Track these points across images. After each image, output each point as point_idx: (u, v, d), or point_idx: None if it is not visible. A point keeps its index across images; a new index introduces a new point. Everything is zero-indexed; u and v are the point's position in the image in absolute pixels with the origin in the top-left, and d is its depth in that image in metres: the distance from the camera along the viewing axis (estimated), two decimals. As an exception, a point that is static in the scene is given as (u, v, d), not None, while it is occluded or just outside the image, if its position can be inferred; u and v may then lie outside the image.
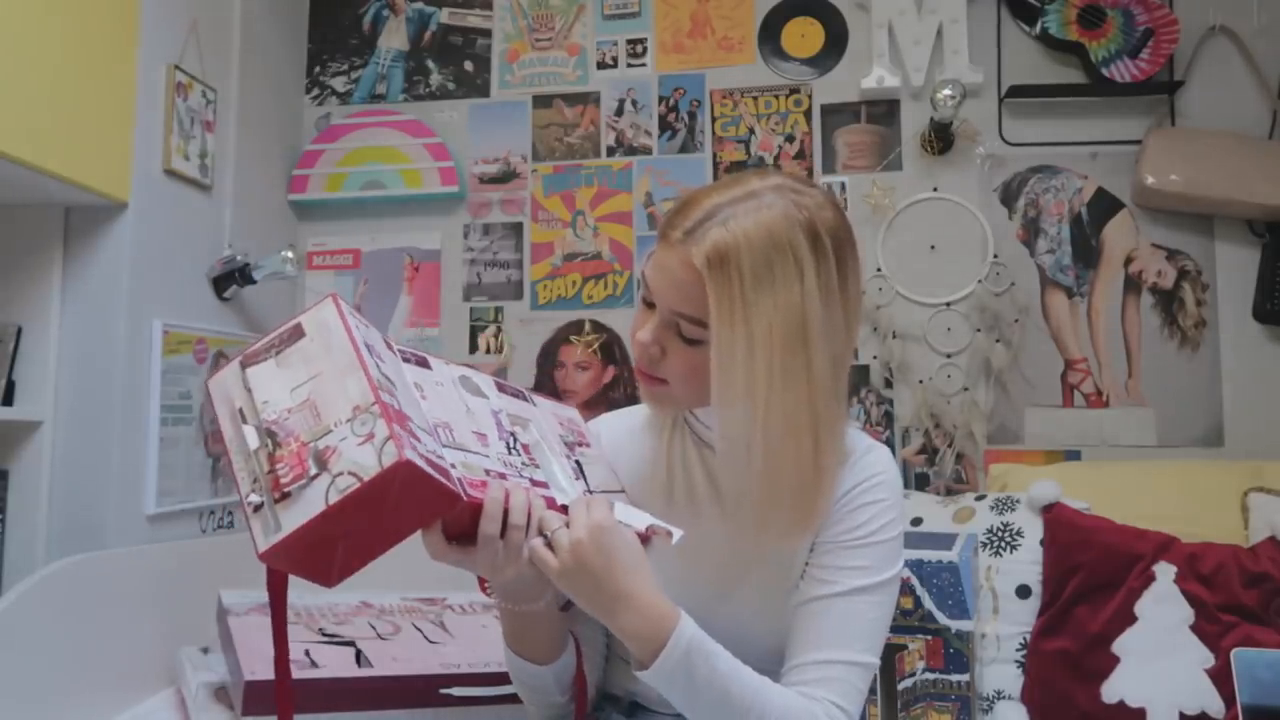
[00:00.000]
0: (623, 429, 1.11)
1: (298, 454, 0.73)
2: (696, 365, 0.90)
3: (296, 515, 0.71)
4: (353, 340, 0.76)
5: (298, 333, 0.79)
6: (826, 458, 0.90)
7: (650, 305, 0.94)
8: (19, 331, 1.72)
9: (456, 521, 0.81)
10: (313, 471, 0.72)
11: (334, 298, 0.81)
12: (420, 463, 0.72)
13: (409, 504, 0.75)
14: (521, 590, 0.90)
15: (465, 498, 0.77)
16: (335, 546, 0.74)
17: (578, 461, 0.98)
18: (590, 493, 0.93)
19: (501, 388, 0.98)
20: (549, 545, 0.84)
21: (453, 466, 0.79)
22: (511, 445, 0.90)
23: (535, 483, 0.88)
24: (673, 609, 0.87)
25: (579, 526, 0.83)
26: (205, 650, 1.66)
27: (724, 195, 0.90)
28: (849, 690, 0.91)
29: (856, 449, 1.00)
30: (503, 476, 0.84)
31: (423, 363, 0.90)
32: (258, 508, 0.73)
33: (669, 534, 0.90)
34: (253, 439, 0.76)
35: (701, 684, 0.85)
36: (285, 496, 0.72)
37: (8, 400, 1.69)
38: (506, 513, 0.81)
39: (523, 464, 0.89)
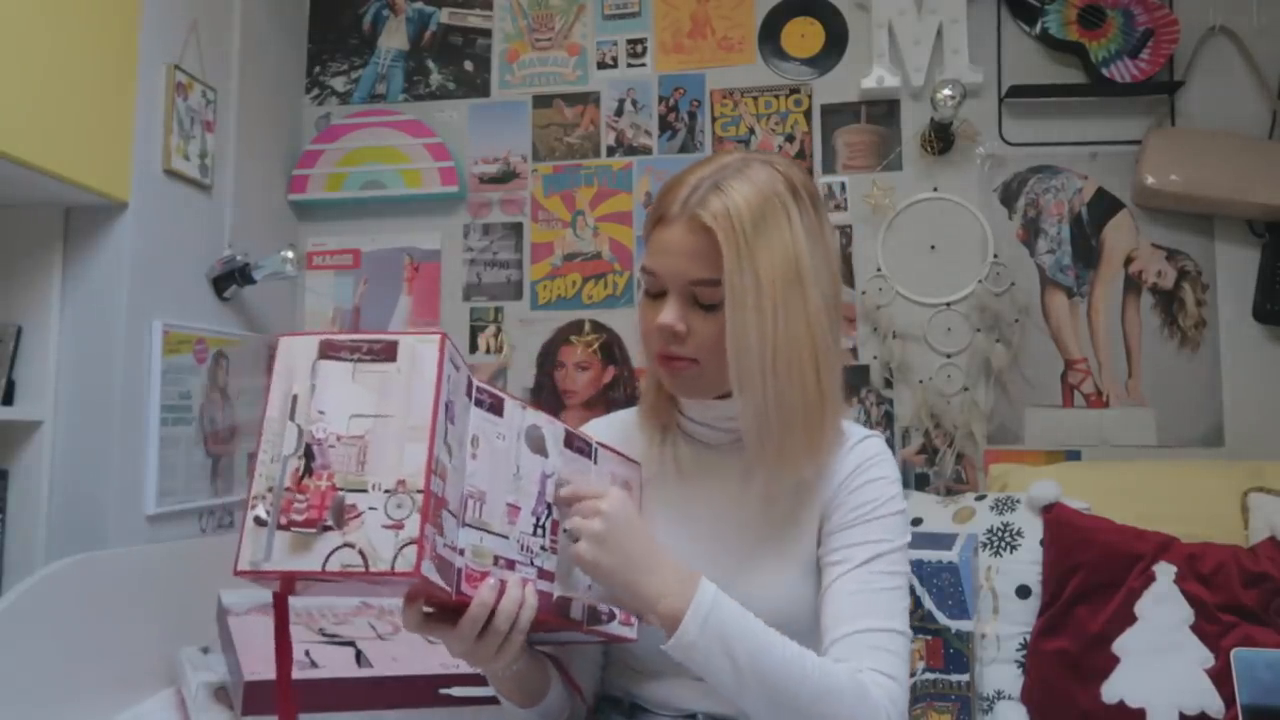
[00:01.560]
0: (617, 433, 1.12)
1: (323, 494, 0.67)
2: (720, 331, 0.95)
3: (290, 558, 0.66)
4: (437, 400, 0.69)
5: (389, 353, 0.71)
6: (828, 385, 0.97)
7: (656, 296, 0.98)
8: (19, 331, 1.72)
9: (441, 605, 0.77)
10: (327, 522, 0.66)
11: (444, 339, 0.72)
12: (431, 571, 0.67)
13: (400, 591, 0.73)
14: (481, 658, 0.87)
15: (454, 598, 0.73)
16: (313, 587, 0.72)
17: None
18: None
19: (570, 441, 0.91)
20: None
21: (460, 553, 0.74)
22: (541, 521, 0.84)
23: (543, 573, 0.83)
24: (691, 570, 0.89)
25: (597, 506, 0.85)
26: (205, 650, 1.66)
27: (708, 169, 0.97)
28: (887, 657, 0.93)
29: (851, 436, 1.04)
30: (511, 565, 0.79)
31: (496, 408, 0.81)
32: (260, 522, 0.68)
33: None
34: (290, 443, 0.70)
35: (735, 634, 0.86)
36: (289, 529, 0.67)
37: (8, 400, 1.69)
38: (494, 613, 0.78)
39: (540, 548, 0.83)
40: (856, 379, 2.18)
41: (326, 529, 0.66)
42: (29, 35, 1.51)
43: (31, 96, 1.52)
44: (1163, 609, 1.59)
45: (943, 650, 1.65)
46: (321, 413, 0.70)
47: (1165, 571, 1.61)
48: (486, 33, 2.43)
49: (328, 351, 0.72)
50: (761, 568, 0.99)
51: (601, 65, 2.36)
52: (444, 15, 2.44)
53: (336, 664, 1.42)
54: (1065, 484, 1.75)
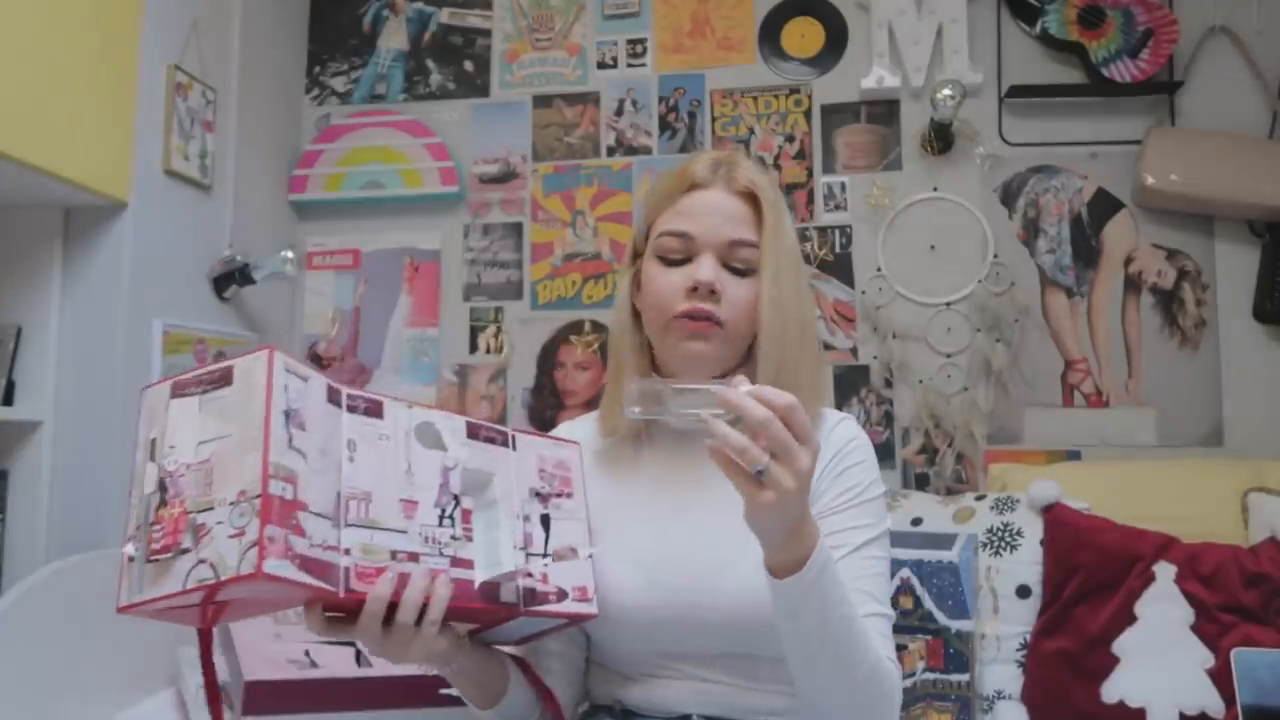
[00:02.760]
0: (593, 429, 1.11)
1: (176, 521, 0.70)
2: (751, 296, 0.99)
3: (159, 584, 0.69)
4: (269, 410, 0.71)
5: (227, 378, 0.75)
6: (818, 367, 1.08)
7: (676, 263, 1.00)
8: (19, 331, 1.72)
9: (343, 607, 0.78)
10: (184, 545, 0.69)
11: (272, 352, 0.74)
12: (286, 569, 0.69)
13: (275, 596, 0.74)
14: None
15: (342, 595, 0.74)
16: (203, 611, 0.74)
17: (545, 516, 0.93)
18: (546, 558, 0.90)
19: (476, 432, 0.91)
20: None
21: (346, 553, 0.75)
22: (448, 512, 0.84)
23: (457, 561, 0.83)
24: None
25: (803, 455, 0.75)
26: (205, 650, 1.66)
27: (720, 154, 1.04)
28: (888, 643, 0.94)
29: (828, 419, 1.05)
30: (414, 558, 0.79)
31: (374, 410, 0.83)
32: (131, 559, 0.71)
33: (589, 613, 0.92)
34: (150, 482, 0.73)
35: (835, 592, 0.83)
36: (155, 559, 0.70)
37: (8, 400, 1.69)
38: (398, 606, 0.77)
39: (451, 537, 0.83)
40: (856, 379, 2.18)
41: (183, 551, 0.69)
42: (29, 35, 1.51)
43: (31, 96, 1.52)
44: (1163, 609, 1.59)
45: (943, 650, 1.65)
46: (173, 447, 0.73)
47: (1165, 571, 1.61)
48: (486, 33, 2.43)
49: (177, 391, 0.76)
50: (746, 562, 0.95)
51: (601, 65, 2.36)
52: (444, 15, 2.44)
53: (336, 664, 1.42)
54: (1065, 484, 1.75)
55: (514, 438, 0.94)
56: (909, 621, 1.66)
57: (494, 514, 0.89)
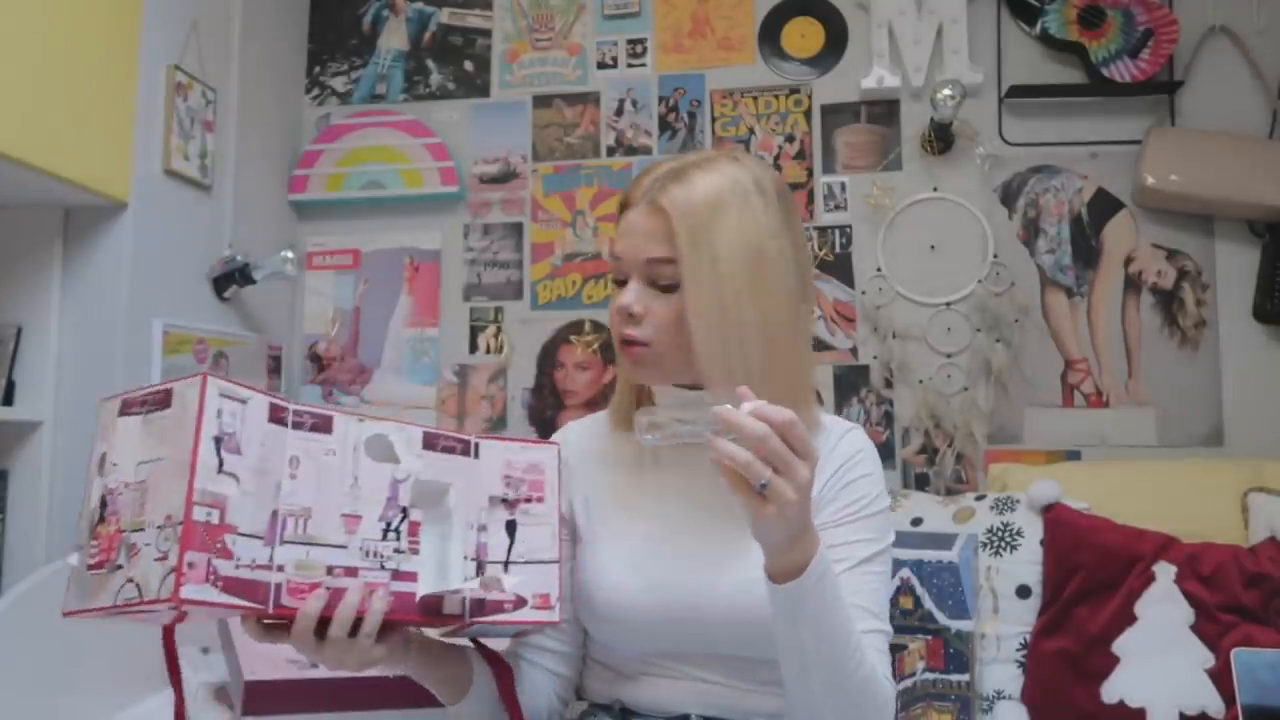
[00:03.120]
0: (591, 432, 1.12)
1: (111, 539, 0.74)
2: (677, 312, 0.96)
3: (95, 597, 0.74)
4: (198, 437, 0.73)
5: (166, 400, 0.77)
6: (785, 374, 0.96)
7: (622, 283, 1.00)
8: (19, 331, 1.72)
9: (278, 620, 0.80)
10: (118, 562, 0.73)
11: (205, 379, 0.76)
12: (206, 593, 0.72)
13: (204, 613, 0.76)
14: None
15: (271, 611, 0.77)
16: (142, 619, 0.77)
17: (511, 522, 0.93)
18: (506, 565, 0.90)
19: (433, 442, 0.91)
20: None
21: (279, 569, 0.78)
22: (394, 525, 0.85)
23: (399, 574, 0.84)
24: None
25: (801, 468, 0.77)
26: (205, 650, 1.66)
27: (677, 162, 1.00)
28: (885, 659, 0.94)
29: (834, 429, 1.04)
30: (353, 573, 0.81)
31: (322, 426, 0.84)
32: (75, 568, 0.75)
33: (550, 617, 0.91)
34: (94, 498, 0.76)
35: (833, 599, 0.84)
36: (93, 572, 0.74)
37: (8, 400, 1.69)
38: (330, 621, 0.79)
39: (394, 550, 0.84)
40: (856, 379, 2.18)
41: (117, 568, 0.73)
42: (29, 36, 1.51)
43: (31, 96, 1.52)
44: (1163, 609, 1.59)
45: (943, 650, 1.65)
46: (115, 464, 0.77)
47: (1165, 571, 1.61)
48: (486, 33, 2.43)
49: (125, 408, 0.79)
50: (746, 563, 0.96)
51: (601, 65, 2.36)
52: (444, 15, 2.44)
53: (336, 664, 1.42)
54: (1065, 484, 1.75)
55: (477, 445, 0.93)
56: (909, 621, 1.66)
57: (447, 525, 0.89)
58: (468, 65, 2.42)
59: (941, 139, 2.17)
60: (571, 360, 2.30)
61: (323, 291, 2.39)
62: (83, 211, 1.76)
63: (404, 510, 0.86)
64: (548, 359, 2.31)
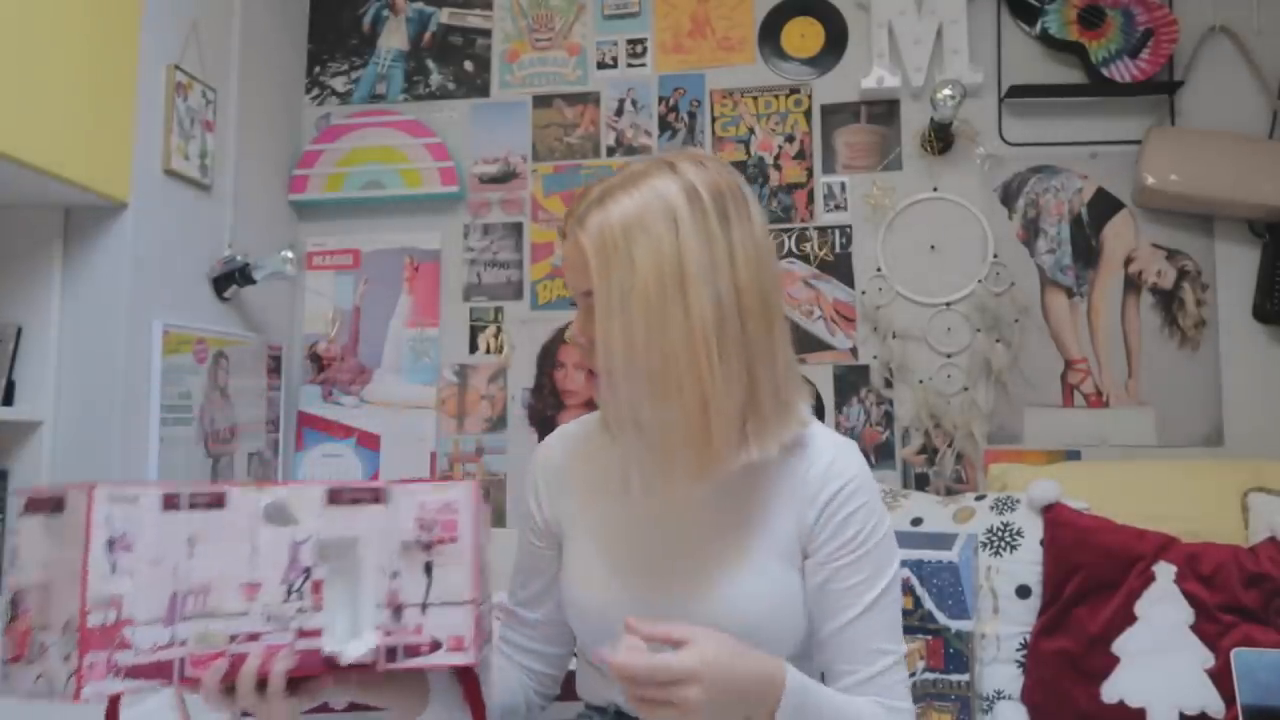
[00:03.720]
0: (579, 435, 1.12)
1: (23, 635, 0.81)
2: None
3: (16, 687, 0.81)
4: (88, 546, 0.80)
5: (61, 505, 0.83)
6: (715, 396, 0.91)
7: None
8: (19, 331, 1.72)
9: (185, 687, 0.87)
10: (30, 657, 0.81)
11: (91, 491, 0.81)
12: (109, 687, 0.80)
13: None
14: None
15: (176, 683, 0.84)
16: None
17: (429, 564, 0.93)
18: (424, 607, 0.90)
19: (339, 497, 0.92)
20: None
21: (182, 644, 0.84)
22: (296, 587, 0.89)
23: (305, 632, 0.88)
24: (774, 661, 0.88)
25: (684, 691, 0.81)
26: (205, 650, 1.66)
27: (605, 185, 0.96)
28: (899, 689, 0.97)
29: (819, 455, 0.99)
30: (255, 638, 0.86)
31: (217, 502, 0.88)
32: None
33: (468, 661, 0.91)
34: (7, 592, 0.83)
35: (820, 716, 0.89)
36: (10, 663, 0.82)
37: (8, 400, 1.69)
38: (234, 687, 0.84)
39: (298, 610, 0.88)
40: (856, 379, 2.18)
41: (30, 662, 0.81)
42: (29, 35, 1.51)
43: (31, 96, 1.52)
44: (1163, 609, 1.58)
45: (943, 650, 1.65)
46: (23, 563, 0.83)
47: (1165, 571, 1.61)
48: (486, 33, 2.43)
49: (29, 508, 0.85)
50: (732, 577, 0.97)
51: (601, 65, 2.36)
52: (444, 15, 2.44)
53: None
54: (1065, 484, 1.75)
55: (387, 491, 0.94)
56: (909, 622, 1.66)
57: (356, 577, 0.91)
58: (468, 65, 2.42)
59: (941, 139, 2.17)
60: (571, 360, 2.29)
61: (323, 291, 2.39)
62: (83, 211, 1.76)
63: (307, 570, 0.90)
64: (548, 359, 2.31)
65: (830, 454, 0.99)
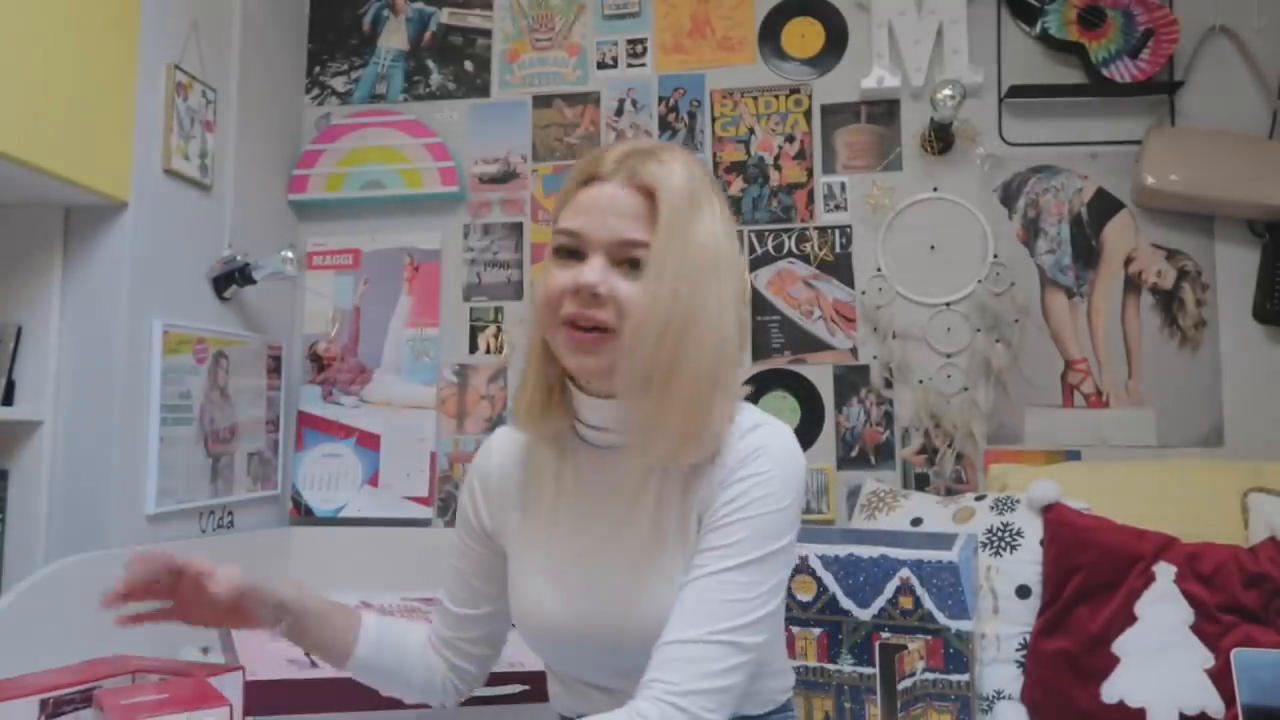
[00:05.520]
0: (519, 441, 1.08)
1: None
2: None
3: None
4: None
5: None
6: (722, 376, 0.92)
7: (571, 256, 0.93)
8: (19, 331, 1.72)
9: None
10: None
11: None
12: None
13: None
14: None
15: None
16: None
17: None
18: None
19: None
20: None
21: None
22: None
23: None
24: None
25: None
26: (205, 650, 1.66)
27: (638, 145, 0.95)
28: (693, 670, 0.84)
29: (736, 432, 0.94)
30: None
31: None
32: None
33: None
34: None
35: None
36: None
37: (8, 400, 1.69)
38: None
39: None
40: (856, 379, 2.18)
41: None
42: (29, 35, 1.51)
43: (31, 96, 1.52)
44: (1163, 609, 1.58)
45: (943, 650, 1.65)
46: None
47: (1165, 571, 1.61)
48: (486, 33, 2.43)
49: None
50: (660, 580, 0.93)
51: (601, 65, 2.36)
52: (444, 15, 2.44)
53: (336, 664, 1.42)
54: (1065, 484, 1.75)
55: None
56: (909, 622, 1.66)
57: None
58: (468, 65, 2.42)
59: (941, 139, 2.17)
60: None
61: (323, 291, 2.39)
62: (83, 211, 1.76)
63: None
64: (548, 359, 2.31)
65: (745, 426, 0.95)
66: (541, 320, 0.95)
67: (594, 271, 0.90)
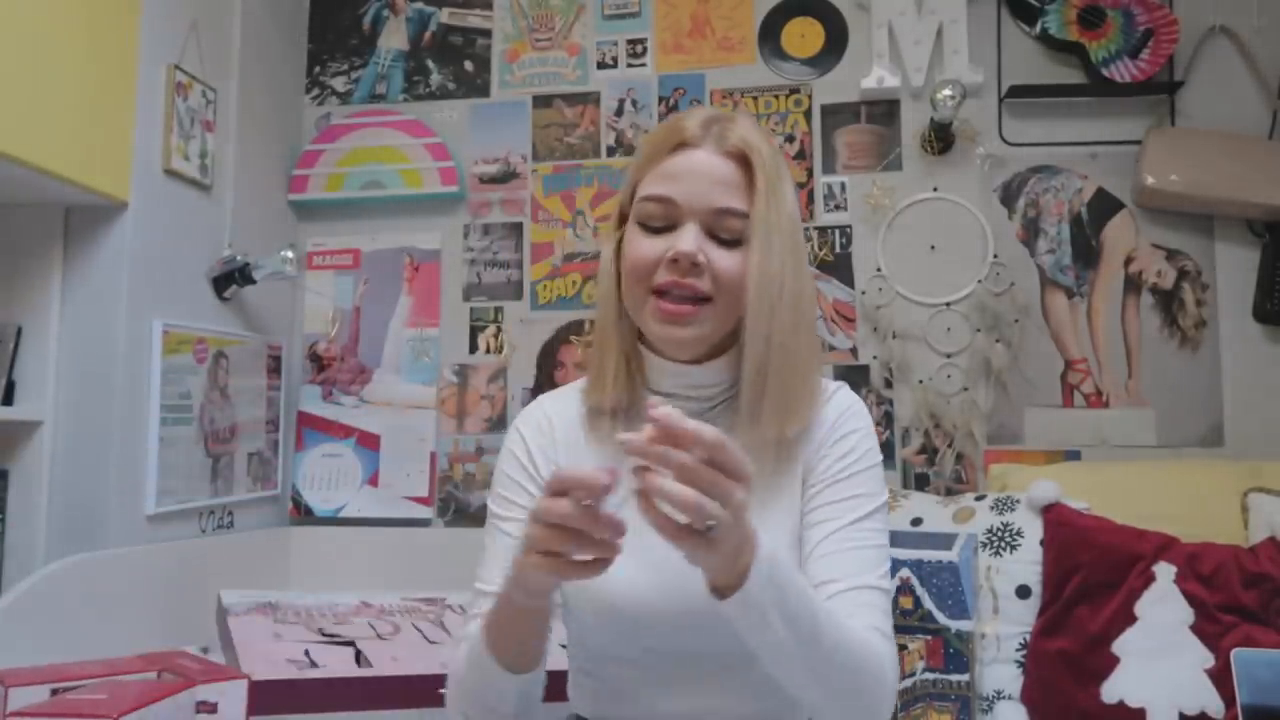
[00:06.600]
0: (574, 404, 1.03)
1: None
2: (740, 268, 0.91)
3: None
4: None
5: None
6: (817, 337, 0.98)
7: (658, 230, 0.92)
8: (19, 331, 1.72)
9: None
10: None
11: None
12: None
13: None
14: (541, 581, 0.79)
15: None
16: None
17: None
18: None
19: None
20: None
21: None
22: None
23: None
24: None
25: (737, 491, 0.69)
26: (205, 650, 1.66)
27: (713, 111, 0.96)
28: (880, 615, 0.89)
29: (827, 389, 1.00)
30: None
31: None
32: None
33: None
34: None
35: (791, 592, 0.77)
36: None
37: (8, 400, 1.69)
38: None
39: None
40: (856, 379, 2.18)
41: None
42: (29, 35, 1.51)
43: (31, 96, 1.52)
44: (1163, 609, 1.59)
45: (943, 650, 1.65)
46: None
47: (1165, 571, 1.61)
48: (486, 33, 2.43)
49: None
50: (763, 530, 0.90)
51: (601, 65, 2.36)
52: (444, 15, 2.44)
53: (336, 664, 1.42)
54: (1065, 484, 1.75)
55: None
56: (909, 622, 1.66)
57: None
58: (468, 65, 2.42)
59: (941, 139, 2.17)
60: (571, 360, 2.30)
61: (323, 291, 2.39)
62: (83, 211, 1.76)
63: None
64: (548, 359, 2.31)
65: (831, 389, 1.00)
66: (629, 290, 0.95)
67: (691, 239, 0.90)
